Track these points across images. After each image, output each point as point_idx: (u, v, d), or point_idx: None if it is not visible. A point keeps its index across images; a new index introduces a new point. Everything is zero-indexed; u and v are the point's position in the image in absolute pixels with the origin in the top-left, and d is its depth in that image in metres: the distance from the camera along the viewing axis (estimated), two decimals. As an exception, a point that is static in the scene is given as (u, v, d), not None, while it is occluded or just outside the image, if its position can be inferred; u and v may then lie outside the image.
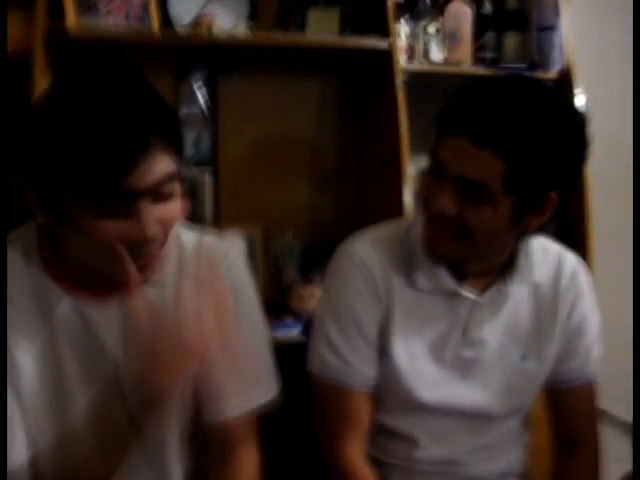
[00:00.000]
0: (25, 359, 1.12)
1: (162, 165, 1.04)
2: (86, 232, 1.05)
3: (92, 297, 1.15)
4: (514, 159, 1.14)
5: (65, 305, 1.14)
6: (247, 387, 1.23)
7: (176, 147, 1.08)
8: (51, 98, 1.03)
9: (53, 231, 1.12)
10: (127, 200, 1.03)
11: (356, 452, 1.33)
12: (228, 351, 1.17)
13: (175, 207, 1.09)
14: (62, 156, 0.99)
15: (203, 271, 1.19)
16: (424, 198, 1.26)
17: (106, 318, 1.16)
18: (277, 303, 2.33)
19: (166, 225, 1.09)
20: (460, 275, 1.32)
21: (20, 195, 1.10)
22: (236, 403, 1.23)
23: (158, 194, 1.05)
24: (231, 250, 1.28)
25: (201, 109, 2.47)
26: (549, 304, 1.37)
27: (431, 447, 1.37)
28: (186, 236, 1.25)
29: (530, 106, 1.15)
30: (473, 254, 1.28)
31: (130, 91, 1.04)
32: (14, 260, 1.15)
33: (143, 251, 1.08)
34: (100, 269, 1.12)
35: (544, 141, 1.15)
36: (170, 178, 1.06)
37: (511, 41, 2.57)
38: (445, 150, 1.19)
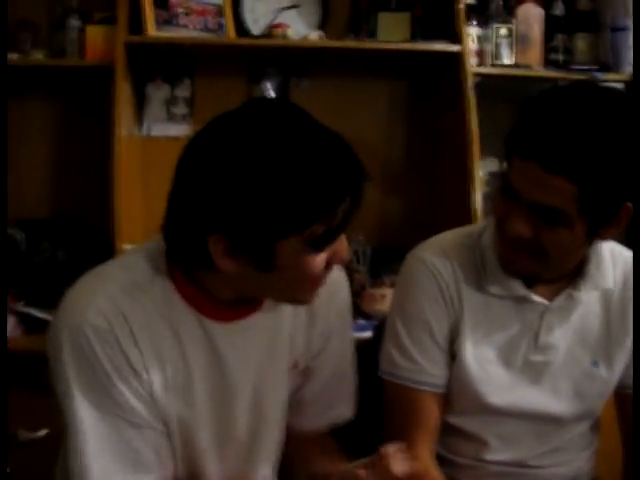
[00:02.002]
0: (157, 378, 1.12)
1: None
2: (295, 270, 1.05)
3: (218, 318, 1.15)
4: (587, 182, 1.13)
5: (193, 323, 1.14)
6: (331, 405, 1.33)
7: None
8: (254, 140, 1.00)
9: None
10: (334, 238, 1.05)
11: (425, 452, 1.34)
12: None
13: None
14: (297, 198, 0.98)
15: (321, 303, 1.23)
16: (498, 219, 1.26)
17: (230, 339, 1.17)
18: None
19: None
20: (531, 281, 1.32)
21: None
22: (319, 419, 1.33)
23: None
24: (343, 281, 1.33)
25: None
26: (619, 309, 1.37)
27: (500, 449, 1.38)
28: None
29: (597, 123, 1.13)
30: (549, 270, 1.29)
31: (326, 131, 1.06)
32: (145, 271, 1.12)
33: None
34: (236, 295, 1.13)
35: (615, 158, 1.13)
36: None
37: (582, 42, 2.55)
38: (517, 175, 1.19)
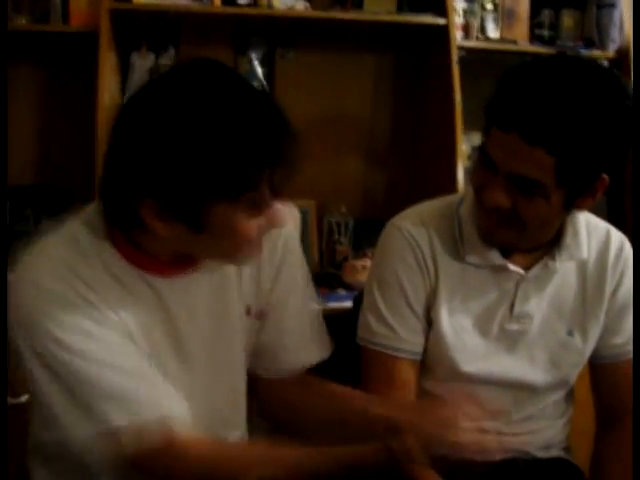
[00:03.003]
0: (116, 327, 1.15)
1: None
2: (229, 235, 1.07)
3: (161, 275, 1.18)
4: (564, 153, 1.14)
5: (138, 280, 1.16)
6: (304, 345, 1.34)
7: None
8: (181, 105, 1.01)
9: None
10: (268, 203, 1.07)
11: None
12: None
13: None
14: (220, 154, 0.99)
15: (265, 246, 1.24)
16: (476, 189, 1.27)
17: (176, 294, 1.19)
18: (330, 275, 2.38)
19: None
20: (507, 250, 1.34)
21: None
22: (295, 360, 1.34)
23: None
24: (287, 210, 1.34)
25: (259, 84, 2.52)
26: (595, 280, 1.39)
27: None
28: None
29: (578, 95, 1.14)
30: (526, 239, 1.30)
31: (256, 95, 1.07)
32: (85, 236, 1.14)
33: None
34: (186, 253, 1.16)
35: (593, 130, 1.14)
36: None
37: (568, 19, 2.57)
38: (495, 146, 1.20)
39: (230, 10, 2.29)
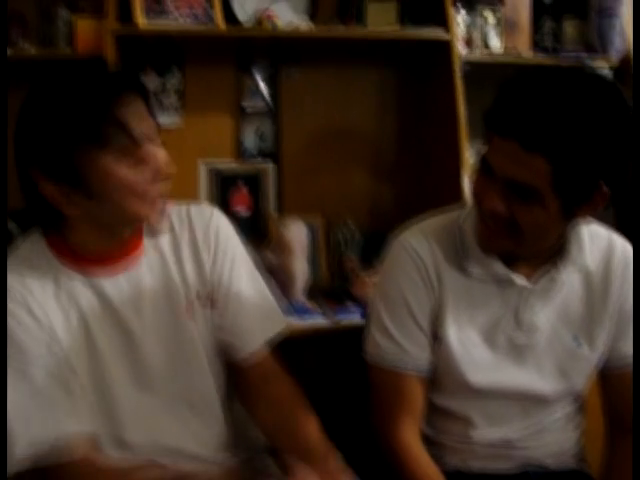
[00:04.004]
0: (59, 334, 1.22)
1: (148, 117, 1.19)
2: (112, 188, 1.17)
3: (101, 268, 1.26)
4: (561, 161, 1.15)
5: (81, 283, 1.25)
6: (259, 321, 1.38)
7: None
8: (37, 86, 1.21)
9: (65, 216, 1.21)
10: (133, 142, 1.16)
11: (411, 434, 1.38)
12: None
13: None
14: (65, 109, 1.14)
15: (198, 234, 1.35)
16: (475, 195, 1.29)
17: (119, 291, 1.27)
18: (339, 289, 2.38)
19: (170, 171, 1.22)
20: (511, 261, 1.35)
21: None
22: (254, 337, 1.37)
23: (156, 140, 1.20)
24: (214, 210, 1.41)
25: (264, 102, 2.55)
26: (600, 289, 1.39)
27: (486, 428, 1.41)
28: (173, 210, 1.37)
29: (577, 105, 1.15)
30: (525, 248, 1.31)
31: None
32: (27, 249, 1.26)
33: (161, 189, 1.21)
34: (106, 242, 1.26)
35: (591, 140, 1.15)
36: (157, 129, 1.21)
37: (570, 28, 2.57)
38: (494, 153, 1.22)
39: (234, 32, 2.32)
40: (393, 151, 2.67)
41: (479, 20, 2.46)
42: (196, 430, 1.33)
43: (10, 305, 1.19)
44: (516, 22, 2.52)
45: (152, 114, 1.22)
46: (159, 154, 1.20)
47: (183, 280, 1.32)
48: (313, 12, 2.49)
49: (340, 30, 2.36)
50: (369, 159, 2.66)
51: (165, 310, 1.30)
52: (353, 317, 2.13)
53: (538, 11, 2.55)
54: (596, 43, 2.54)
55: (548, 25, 2.56)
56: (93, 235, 1.24)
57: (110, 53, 2.17)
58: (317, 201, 2.57)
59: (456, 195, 2.29)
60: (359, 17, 2.44)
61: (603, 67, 2.45)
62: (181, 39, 2.33)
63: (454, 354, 1.36)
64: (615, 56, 2.51)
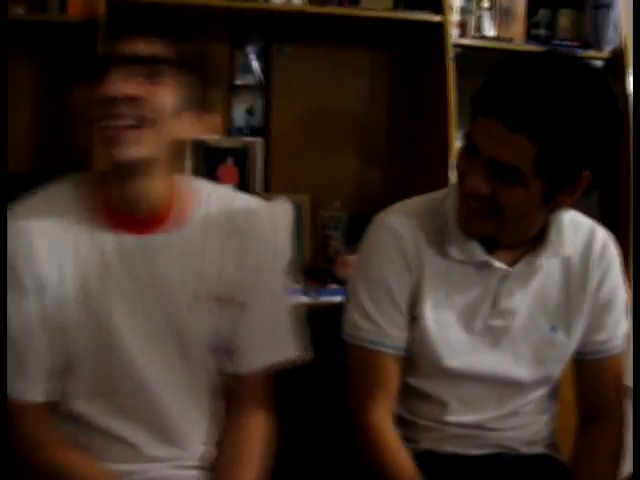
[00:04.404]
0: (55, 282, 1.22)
1: (146, 46, 1.19)
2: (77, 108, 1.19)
3: (144, 230, 1.26)
4: (546, 144, 1.16)
5: (105, 236, 1.25)
6: (269, 342, 1.35)
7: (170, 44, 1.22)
8: None
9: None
10: (102, 64, 1.17)
11: (384, 413, 1.38)
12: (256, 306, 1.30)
13: (161, 95, 1.18)
14: None
15: (236, 224, 1.31)
16: (459, 174, 1.29)
17: (139, 253, 1.26)
18: (322, 270, 2.39)
19: (144, 105, 1.17)
20: (491, 246, 1.35)
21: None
22: (257, 357, 1.35)
23: (134, 67, 1.17)
24: (283, 214, 1.36)
25: (256, 79, 2.53)
26: (579, 277, 1.40)
27: (460, 411, 1.42)
28: (210, 191, 1.35)
29: (562, 90, 1.16)
30: (505, 231, 1.31)
31: None
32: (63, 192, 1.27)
33: (112, 113, 1.16)
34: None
35: (575, 126, 1.16)
36: (148, 59, 1.18)
37: (565, 19, 2.57)
38: (479, 132, 1.22)
39: (227, 3, 2.30)
40: (383, 134, 2.67)
41: (474, 5, 2.45)
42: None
43: (18, 240, 1.20)
44: (511, 10, 2.50)
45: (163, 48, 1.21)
46: (113, 80, 1.16)
47: (202, 271, 1.29)
48: (308, -9, 2.48)
49: (333, 9, 2.35)
50: (358, 141, 2.65)
51: (175, 289, 1.28)
52: (335, 297, 2.13)
53: (534, 1, 2.53)
54: (590, 35, 2.54)
55: (543, 14, 2.55)
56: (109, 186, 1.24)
57: (101, 19, 2.15)
58: (304, 180, 2.56)
59: (443, 180, 2.28)
60: (354, -2, 2.44)
61: (596, 59, 2.45)
62: (172, 9, 2.31)
63: (430, 336, 1.36)
64: (608, 49, 2.51)
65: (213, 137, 1.20)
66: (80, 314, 1.23)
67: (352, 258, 2.30)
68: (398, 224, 1.37)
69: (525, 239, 1.35)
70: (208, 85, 1.26)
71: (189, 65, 1.23)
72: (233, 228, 1.31)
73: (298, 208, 2.48)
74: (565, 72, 1.19)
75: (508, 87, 1.17)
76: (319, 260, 2.51)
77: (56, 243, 1.22)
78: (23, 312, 1.21)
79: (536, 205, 1.26)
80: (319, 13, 2.33)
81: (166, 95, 1.18)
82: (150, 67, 1.17)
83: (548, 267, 1.38)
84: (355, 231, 2.48)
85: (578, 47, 2.51)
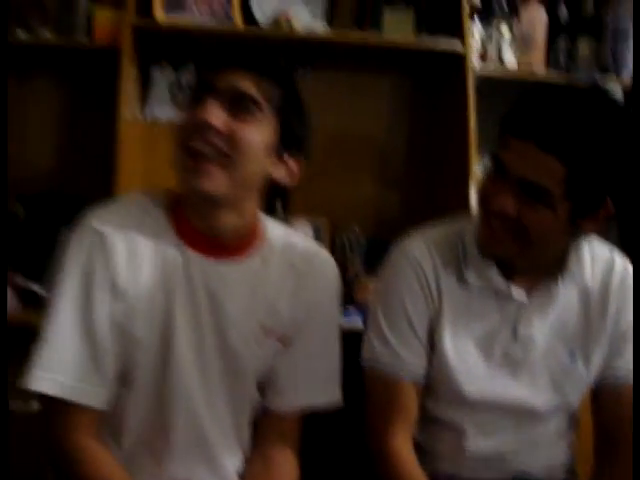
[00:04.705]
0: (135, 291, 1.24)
1: (244, 82, 1.20)
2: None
3: (212, 254, 1.28)
4: (575, 166, 1.19)
5: (183, 254, 1.27)
6: (311, 385, 1.36)
7: (269, 84, 1.23)
8: None
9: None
10: (204, 90, 1.20)
11: (402, 440, 1.38)
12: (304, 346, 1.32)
13: (251, 133, 1.21)
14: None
15: (299, 265, 1.34)
16: (484, 196, 1.31)
17: (209, 277, 1.27)
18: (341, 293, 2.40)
19: (235, 141, 1.20)
20: (509, 273, 1.36)
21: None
22: (294, 397, 1.36)
23: (230, 102, 1.19)
24: (330, 261, 1.42)
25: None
26: (598, 306, 1.40)
27: (478, 439, 1.42)
28: (275, 228, 1.38)
29: (593, 116, 1.20)
30: (527, 254, 1.32)
31: None
32: (148, 204, 1.30)
33: (199, 137, 1.18)
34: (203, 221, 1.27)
35: (603, 151, 1.20)
36: (247, 97, 1.20)
37: (585, 46, 2.59)
38: (509, 153, 1.24)
39: (251, 31, 2.34)
40: (402, 159, 2.69)
41: (495, 34, 2.48)
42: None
43: (94, 253, 1.22)
44: (531, 38, 2.52)
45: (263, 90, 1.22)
46: (205, 109, 1.18)
47: (270, 306, 1.32)
48: (330, 16, 2.52)
49: (355, 36, 2.39)
50: (377, 165, 2.68)
51: (239, 319, 1.30)
52: (354, 321, 2.14)
53: (554, 29, 2.56)
54: (610, 64, 2.56)
55: (563, 43, 2.57)
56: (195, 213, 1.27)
57: (127, 45, 2.20)
58: (324, 203, 2.58)
59: (462, 206, 2.31)
60: (375, 24, 2.46)
61: (615, 87, 2.46)
62: (198, 35, 2.35)
63: (449, 364, 1.37)
64: (627, 75, 2.52)
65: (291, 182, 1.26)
66: (147, 324, 1.25)
67: (371, 282, 2.32)
68: (417, 252, 1.39)
69: (544, 265, 1.36)
70: (296, 129, 1.28)
71: (280, 107, 1.24)
72: (293, 268, 1.34)
73: (317, 231, 2.51)
74: (593, 102, 1.24)
75: (540, 110, 1.21)
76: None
77: (133, 251, 1.24)
78: (100, 313, 1.22)
79: (560, 229, 1.27)
80: (341, 41, 2.38)
81: (252, 134, 1.20)
82: (243, 104, 1.20)
83: (567, 296, 1.39)
84: (374, 254, 2.50)
85: (598, 74, 2.52)
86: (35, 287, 2.16)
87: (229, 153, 1.19)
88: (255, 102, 1.20)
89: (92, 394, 1.21)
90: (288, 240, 1.38)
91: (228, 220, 1.26)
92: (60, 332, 1.20)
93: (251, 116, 1.20)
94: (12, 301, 2.14)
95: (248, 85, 1.20)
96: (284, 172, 1.28)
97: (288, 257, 1.35)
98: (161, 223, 1.27)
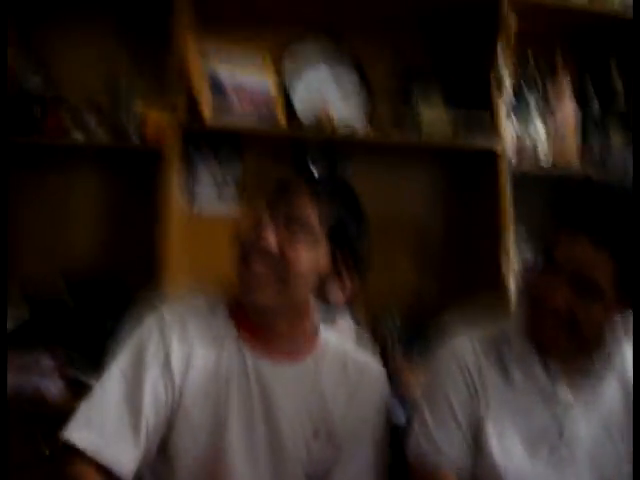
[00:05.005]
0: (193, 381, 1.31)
1: (302, 205, 1.29)
2: None
3: (268, 354, 1.35)
4: (625, 260, 1.24)
5: (240, 352, 1.34)
6: None
7: (327, 208, 1.31)
8: None
9: None
10: (262, 215, 1.31)
11: None
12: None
13: (304, 255, 1.29)
14: None
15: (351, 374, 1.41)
16: (537, 291, 1.34)
17: (278, 375, 1.34)
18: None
19: (288, 263, 1.28)
20: (555, 372, 1.39)
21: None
22: None
23: (286, 223, 1.29)
24: (380, 371, 1.50)
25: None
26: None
27: None
28: (328, 335, 1.46)
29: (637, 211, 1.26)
30: (578, 347, 1.35)
31: None
32: (201, 307, 1.39)
33: (257, 259, 1.28)
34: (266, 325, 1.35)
35: None
36: (303, 223, 1.28)
37: (618, 141, 2.63)
38: (562, 248, 1.29)
39: (293, 131, 2.44)
40: (439, 246, 2.75)
41: (529, 130, 2.53)
42: None
43: (156, 336, 1.30)
44: (565, 134, 2.58)
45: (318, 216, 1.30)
46: (265, 233, 1.28)
47: (323, 411, 1.38)
48: (370, 114, 2.61)
49: (394, 136, 2.46)
50: (415, 253, 2.74)
51: (290, 419, 1.35)
52: (395, 413, 2.14)
53: (587, 124, 2.62)
54: (643, 156, 2.59)
55: (596, 138, 2.63)
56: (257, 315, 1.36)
57: (176, 144, 2.29)
58: (362, 292, 2.61)
59: (500, 294, 2.35)
60: (414, 122, 2.53)
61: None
62: (243, 137, 2.45)
63: (496, 462, 1.38)
64: (661, 170, 2.55)
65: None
66: (200, 408, 1.31)
67: (411, 370, 2.33)
68: (462, 350, 1.43)
69: (590, 361, 1.38)
70: (351, 250, 1.37)
71: (335, 230, 1.33)
72: (346, 376, 1.41)
73: (357, 322, 2.52)
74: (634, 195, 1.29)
75: (592, 206, 1.27)
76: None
77: (191, 339, 1.32)
78: (148, 388, 1.29)
79: (609, 320, 1.31)
80: (382, 142, 2.46)
81: (305, 255, 1.29)
82: (299, 227, 1.29)
83: (611, 391, 1.40)
84: (412, 340, 2.52)
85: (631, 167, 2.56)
86: (84, 378, 2.17)
87: (282, 274, 1.27)
88: (310, 225, 1.28)
89: (121, 459, 1.26)
90: (341, 347, 1.45)
91: (283, 327, 1.34)
92: (106, 395, 1.28)
93: (305, 238, 1.28)
94: (60, 389, 2.17)
95: (305, 208, 1.29)
96: (338, 291, 1.35)
97: (341, 364, 1.41)
98: (223, 320, 1.36)
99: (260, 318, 1.35)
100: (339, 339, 1.48)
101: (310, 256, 1.29)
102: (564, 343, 1.33)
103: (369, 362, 1.49)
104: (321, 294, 1.35)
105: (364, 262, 1.42)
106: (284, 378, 1.35)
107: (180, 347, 1.32)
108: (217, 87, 2.43)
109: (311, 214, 1.30)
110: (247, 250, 1.30)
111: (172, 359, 1.30)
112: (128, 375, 1.30)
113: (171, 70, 2.32)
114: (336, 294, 1.36)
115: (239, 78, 2.48)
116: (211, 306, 1.39)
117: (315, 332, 1.43)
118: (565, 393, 1.38)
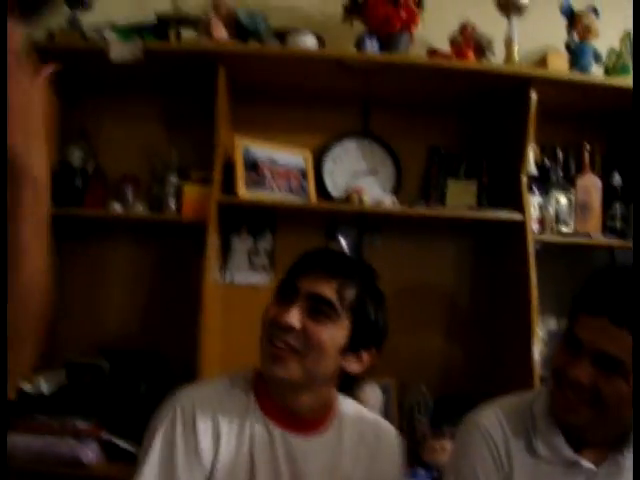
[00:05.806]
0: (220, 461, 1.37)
1: (324, 287, 1.36)
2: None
3: (292, 427, 1.42)
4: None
5: (265, 425, 1.41)
6: None
7: (348, 289, 1.39)
8: None
9: None
10: (289, 292, 1.38)
11: None
12: None
13: (325, 334, 1.37)
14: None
15: (369, 439, 1.48)
16: (559, 368, 1.39)
17: (304, 447, 1.41)
18: (409, 453, 2.42)
19: (309, 340, 1.36)
20: (578, 445, 1.43)
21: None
22: None
23: (309, 303, 1.36)
24: (395, 435, 1.58)
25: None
26: None
27: None
28: (347, 405, 1.53)
29: None
30: (601, 423, 1.39)
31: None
32: (235, 386, 1.45)
33: (280, 335, 1.36)
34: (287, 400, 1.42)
35: None
36: (324, 301, 1.36)
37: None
38: (584, 328, 1.35)
39: (325, 205, 2.53)
40: (466, 318, 2.79)
41: (552, 202, 2.60)
42: None
43: (182, 426, 1.36)
44: (587, 205, 2.64)
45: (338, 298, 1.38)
46: (284, 313, 1.36)
47: (346, 476, 1.46)
48: (398, 188, 2.71)
49: (421, 209, 2.54)
50: (443, 322, 2.78)
51: None
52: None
53: (609, 195, 2.67)
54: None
55: (618, 209, 2.68)
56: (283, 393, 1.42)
57: (212, 218, 2.38)
58: (392, 362, 2.65)
59: (527, 364, 2.36)
60: (440, 196, 2.64)
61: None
62: (276, 208, 2.55)
63: None
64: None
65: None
66: None
67: (439, 443, 2.36)
68: (488, 422, 1.48)
69: (613, 435, 1.42)
70: (370, 328, 1.44)
71: (356, 309, 1.41)
72: (364, 441, 1.49)
73: (385, 391, 2.57)
74: None
75: (610, 289, 1.34)
76: (406, 442, 2.54)
77: (217, 422, 1.38)
78: (182, 476, 1.35)
79: (631, 391, 1.34)
80: (408, 214, 2.53)
81: (326, 334, 1.37)
82: (320, 307, 1.37)
83: (631, 461, 1.42)
84: (440, 413, 2.54)
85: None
86: (119, 442, 2.23)
87: (303, 350, 1.36)
88: (332, 306, 1.36)
89: None
90: (358, 415, 1.52)
91: (305, 401, 1.42)
92: None
93: (327, 318, 1.37)
94: (97, 454, 2.22)
95: (327, 290, 1.37)
96: (356, 364, 1.42)
97: (359, 431, 1.49)
98: (247, 399, 1.42)
99: (283, 392, 1.42)
100: (356, 407, 1.55)
101: (331, 332, 1.37)
102: (588, 417, 1.37)
103: (385, 428, 1.56)
104: (339, 367, 1.42)
105: (382, 336, 1.48)
106: (309, 449, 1.42)
107: (206, 434, 1.37)
108: (251, 163, 2.54)
109: (332, 292, 1.38)
110: (270, 326, 1.39)
111: (200, 450, 1.36)
112: (161, 475, 1.35)
113: (209, 146, 2.43)
114: (353, 367, 1.43)
115: (272, 154, 2.59)
116: (234, 383, 1.46)
117: (335, 402, 1.50)
118: (588, 463, 1.42)
